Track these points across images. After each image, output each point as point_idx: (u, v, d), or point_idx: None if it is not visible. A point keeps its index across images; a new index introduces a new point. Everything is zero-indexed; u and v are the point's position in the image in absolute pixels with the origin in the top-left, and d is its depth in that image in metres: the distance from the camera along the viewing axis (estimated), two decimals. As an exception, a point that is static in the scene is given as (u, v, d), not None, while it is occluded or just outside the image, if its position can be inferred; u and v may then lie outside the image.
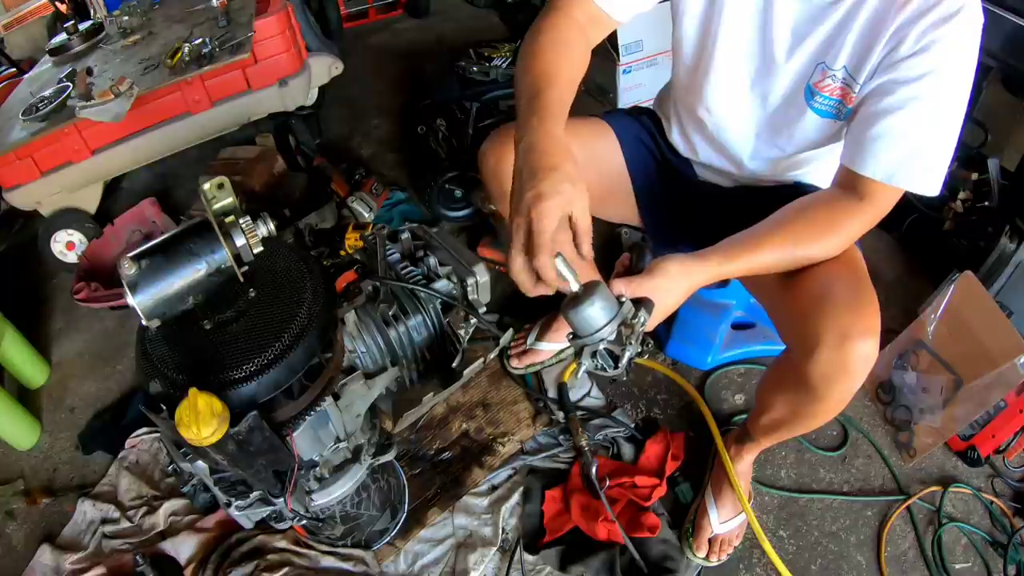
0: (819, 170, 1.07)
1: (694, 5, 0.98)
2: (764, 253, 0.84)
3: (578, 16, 0.96)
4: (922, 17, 0.77)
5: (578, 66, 0.93)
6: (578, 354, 0.76)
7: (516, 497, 1.31)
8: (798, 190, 1.03)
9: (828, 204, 0.87)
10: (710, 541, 1.21)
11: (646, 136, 1.21)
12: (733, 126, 1.04)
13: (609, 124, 1.19)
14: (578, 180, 0.75)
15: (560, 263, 0.71)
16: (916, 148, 0.80)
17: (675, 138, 1.17)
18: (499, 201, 1.23)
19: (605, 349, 0.74)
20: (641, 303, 0.76)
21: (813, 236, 0.85)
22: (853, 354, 0.82)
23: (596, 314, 0.72)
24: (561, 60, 0.90)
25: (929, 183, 0.82)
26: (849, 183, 0.85)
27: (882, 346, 1.46)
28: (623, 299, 0.75)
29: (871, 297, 0.84)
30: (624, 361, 0.75)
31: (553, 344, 1.52)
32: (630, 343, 0.74)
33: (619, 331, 0.73)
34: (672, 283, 0.80)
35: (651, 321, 0.77)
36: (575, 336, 0.75)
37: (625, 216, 1.26)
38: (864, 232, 0.87)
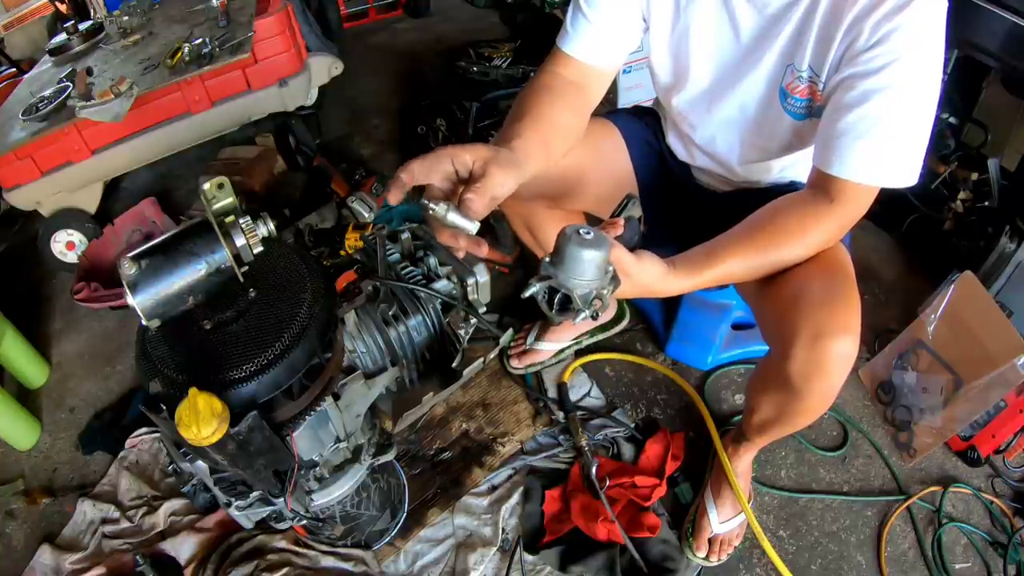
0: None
1: (661, 33, 0.99)
2: (733, 263, 0.82)
3: (565, 74, 0.99)
4: (876, 8, 0.76)
5: (558, 109, 0.95)
6: (540, 279, 0.73)
7: (516, 497, 1.31)
8: (795, 190, 1.04)
9: (798, 208, 0.84)
10: (710, 541, 1.21)
11: (651, 137, 1.21)
12: (718, 137, 1.05)
13: (615, 124, 1.20)
14: (478, 147, 0.77)
15: (441, 210, 0.72)
16: (882, 142, 0.78)
17: (672, 142, 1.18)
18: (505, 202, 1.23)
19: (564, 295, 0.72)
20: (614, 280, 0.74)
21: (782, 243, 0.83)
22: (828, 352, 0.81)
23: (591, 265, 0.70)
24: (532, 103, 0.94)
25: (901, 176, 0.80)
26: (820, 184, 0.84)
27: (882, 346, 1.48)
28: (611, 268, 0.73)
29: (849, 295, 0.83)
30: (567, 317, 0.73)
31: (553, 344, 1.53)
32: (586, 308, 0.72)
33: (590, 292, 0.72)
34: (646, 281, 0.78)
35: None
36: (552, 264, 0.72)
37: None
38: (842, 233, 0.85)
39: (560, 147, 0.96)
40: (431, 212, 0.73)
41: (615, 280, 0.74)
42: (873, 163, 0.79)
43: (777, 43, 0.89)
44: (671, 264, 0.81)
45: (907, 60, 0.76)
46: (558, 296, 0.73)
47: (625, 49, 1.01)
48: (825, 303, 0.82)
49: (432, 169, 0.77)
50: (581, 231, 0.70)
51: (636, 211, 0.83)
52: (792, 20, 0.86)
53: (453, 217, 0.73)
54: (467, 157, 0.77)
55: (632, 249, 0.78)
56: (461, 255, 0.78)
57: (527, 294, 0.74)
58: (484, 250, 0.77)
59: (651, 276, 0.78)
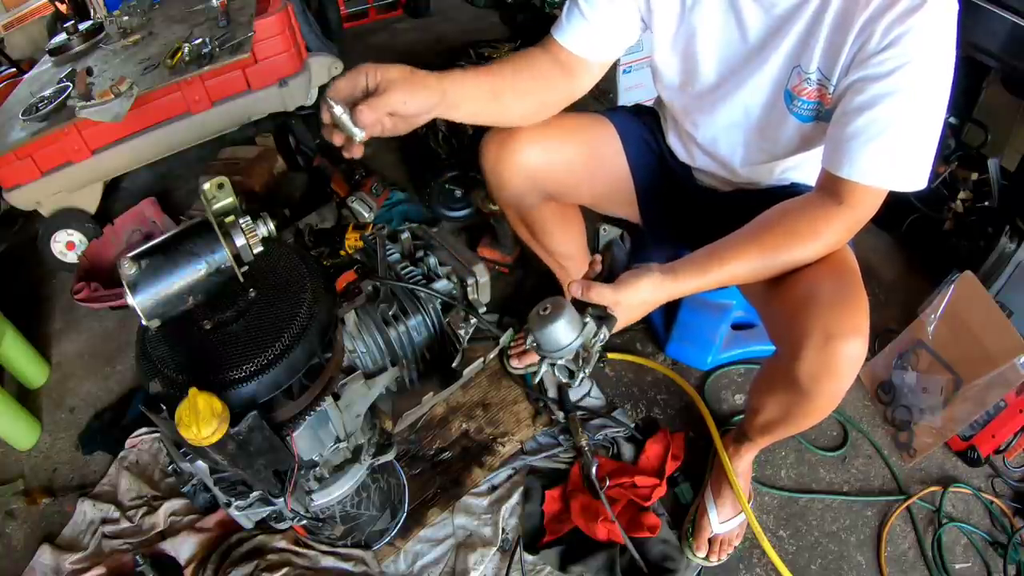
0: (816, 170, 1.07)
1: (665, 33, 0.99)
2: (739, 264, 0.82)
3: (552, 54, 1.02)
4: (887, 11, 0.76)
5: (527, 74, 1.00)
6: (540, 362, 0.82)
7: (516, 497, 1.31)
8: (796, 191, 1.04)
9: (806, 210, 0.85)
10: (710, 541, 1.21)
11: (648, 135, 1.21)
12: (721, 137, 1.05)
13: (611, 122, 1.20)
14: (392, 67, 0.85)
15: (337, 109, 0.80)
16: (892, 145, 0.78)
17: (672, 142, 1.17)
18: (499, 196, 1.24)
19: (563, 365, 0.79)
20: (603, 320, 0.78)
21: (791, 245, 0.83)
22: (839, 354, 0.81)
23: (560, 333, 0.75)
24: (500, 62, 0.99)
25: (911, 179, 0.80)
26: (829, 186, 0.84)
27: (882, 346, 1.48)
28: (587, 321, 0.77)
29: (858, 297, 0.83)
30: (579, 378, 0.79)
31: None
32: (587, 364, 0.78)
33: (578, 351, 0.77)
34: (638, 299, 0.79)
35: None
36: (536, 348, 0.79)
37: (627, 214, 1.26)
38: (850, 235, 0.85)
39: (517, 104, 1.01)
40: (329, 107, 0.81)
41: (603, 321, 0.78)
42: (883, 166, 0.79)
43: (784, 44, 0.88)
44: (670, 269, 0.81)
45: (919, 63, 0.76)
46: (556, 368, 0.80)
47: (618, 46, 1.01)
48: (835, 304, 0.82)
49: (353, 85, 0.85)
50: (539, 310, 0.77)
51: (612, 233, 0.86)
52: (800, 21, 0.86)
53: (345, 120, 0.81)
54: (379, 75, 0.84)
55: (625, 267, 0.80)
56: (345, 152, 0.85)
57: (537, 380, 0.85)
58: (357, 151, 0.85)
59: (644, 292, 0.79)
